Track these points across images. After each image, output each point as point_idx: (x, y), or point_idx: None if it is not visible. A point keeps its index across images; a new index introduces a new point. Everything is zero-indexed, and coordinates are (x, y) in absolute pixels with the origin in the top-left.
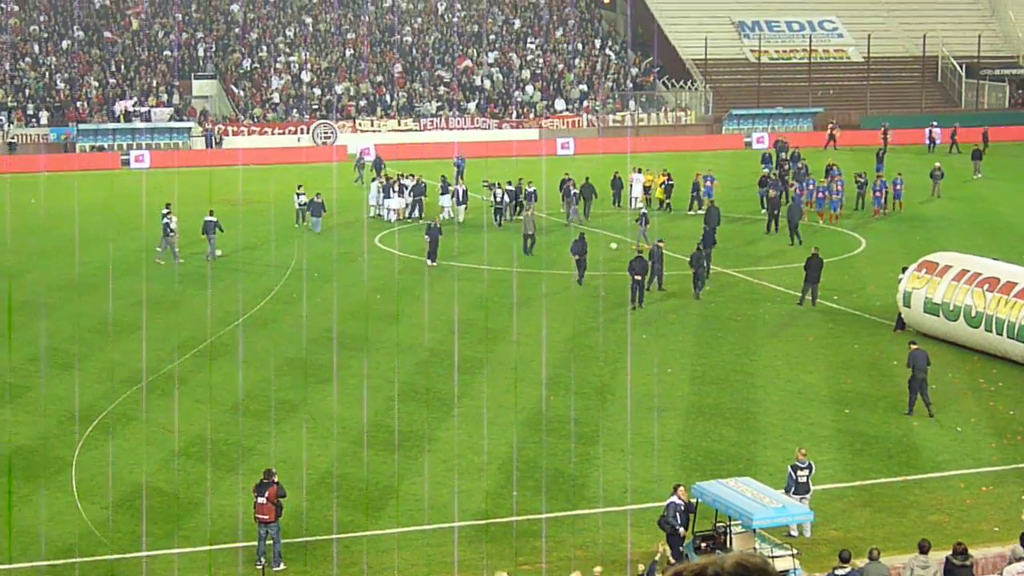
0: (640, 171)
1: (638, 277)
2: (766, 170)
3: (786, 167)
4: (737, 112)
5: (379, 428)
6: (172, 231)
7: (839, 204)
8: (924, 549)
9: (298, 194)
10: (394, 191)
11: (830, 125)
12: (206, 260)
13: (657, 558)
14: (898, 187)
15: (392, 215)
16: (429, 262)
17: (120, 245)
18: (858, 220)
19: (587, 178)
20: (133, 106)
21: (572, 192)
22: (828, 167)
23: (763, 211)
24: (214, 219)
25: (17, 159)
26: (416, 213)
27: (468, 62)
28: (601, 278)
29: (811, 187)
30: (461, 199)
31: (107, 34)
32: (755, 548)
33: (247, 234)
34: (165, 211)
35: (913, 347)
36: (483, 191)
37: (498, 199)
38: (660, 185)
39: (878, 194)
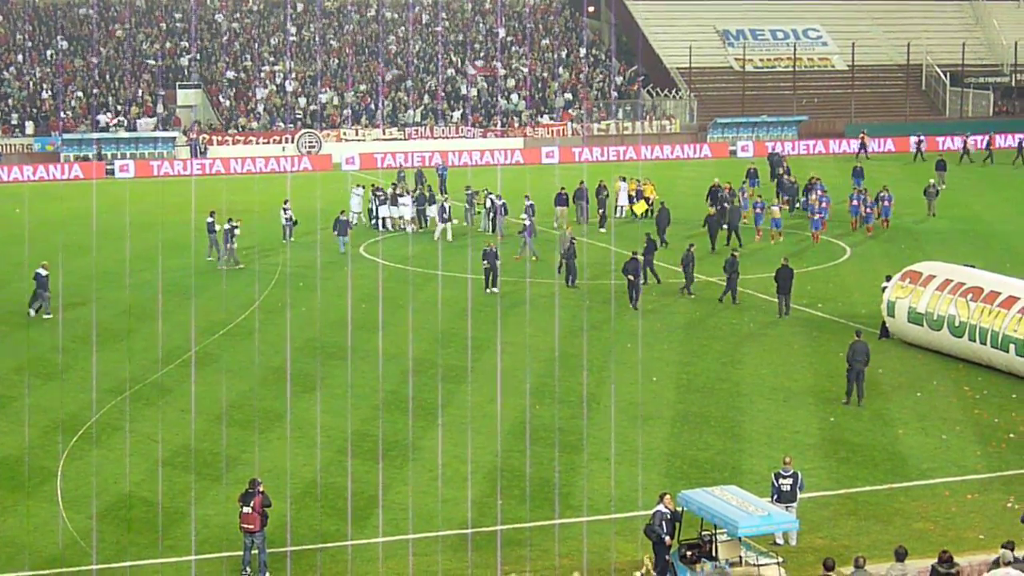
0: (624, 179)
1: (631, 277)
2: (753, 187)
3: (785, 180)
4: (722, 120)
5: (364, 437)
6: (234, 235)
7: (821, 222)
8: (900, 556)
9: (284, 209)
10: (399, 201)
11: (862, 134)
12: (234, 265)
13: (642, 572)
14: (885, 203)
15: (396, 225)
16: (491, 289)
17: (104, 255)
18: (843, 230)
19: (582, 181)
20: (114, 120)
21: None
22: (810, 181)
23: (703, 227)
24: (232, 227)
25: (1, 168)
26: (421, 223)
27: (451, 70)
28: (585, 285)
29: (806, 202)
30: (447, 215)
31: (91, 57)
32: (740, 556)
33: None
34: (210, 219)
35: (855, 339)
36: (465, 198)
37: (490, 205)
38: (633, 194)
39: (869, 211)
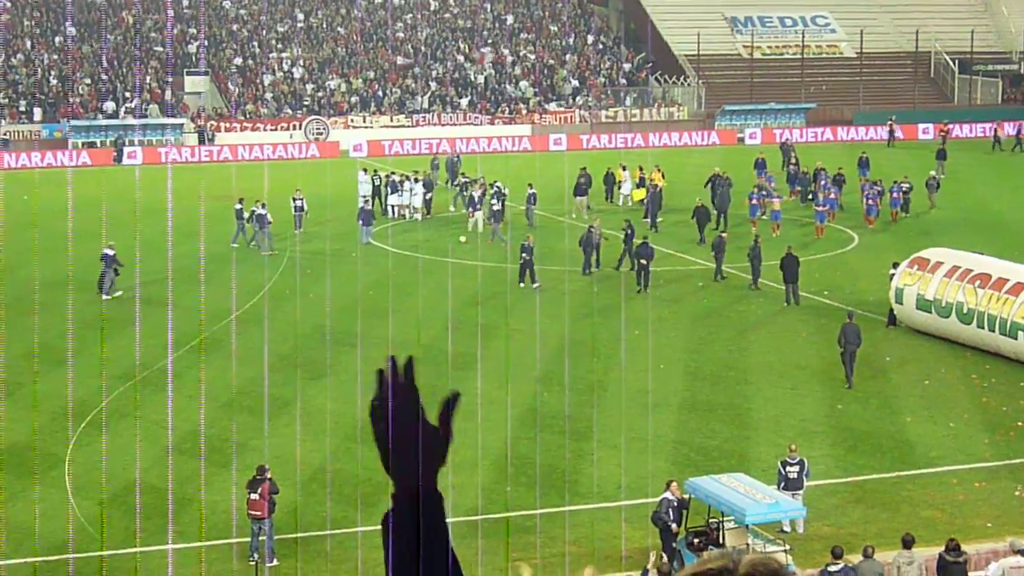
0: (625, 168)
1: (643, 261)
2: (760, 177)
3: (794, 170)
4: (730, 108)
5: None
6: (269, 222)
7: (826, 216)
8: (908, 544)
9: (295, 198)
10: (402, 188)
11: (890, 121)
12: (264, 253)
13: (649, 566)
14: (895, 195)
15: (407, 212)
16: (521, 284)
17: (112, 241)
18: (855, 222)
19: (623, 165)
20: (123, 111)
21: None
22: (816, 172)
23: (692, 219)
24: (265, 212)
25: (10, 155)
26: (428, 210)
27: (487, 52)
28: (594, 272)
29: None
30: (478, 205)
31: (99, 44)
32: (748, 544)
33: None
34: (239, 205)
35: (847, 321)
36: (459, 187)
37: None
38: (637, 181)
39: (872, 203)
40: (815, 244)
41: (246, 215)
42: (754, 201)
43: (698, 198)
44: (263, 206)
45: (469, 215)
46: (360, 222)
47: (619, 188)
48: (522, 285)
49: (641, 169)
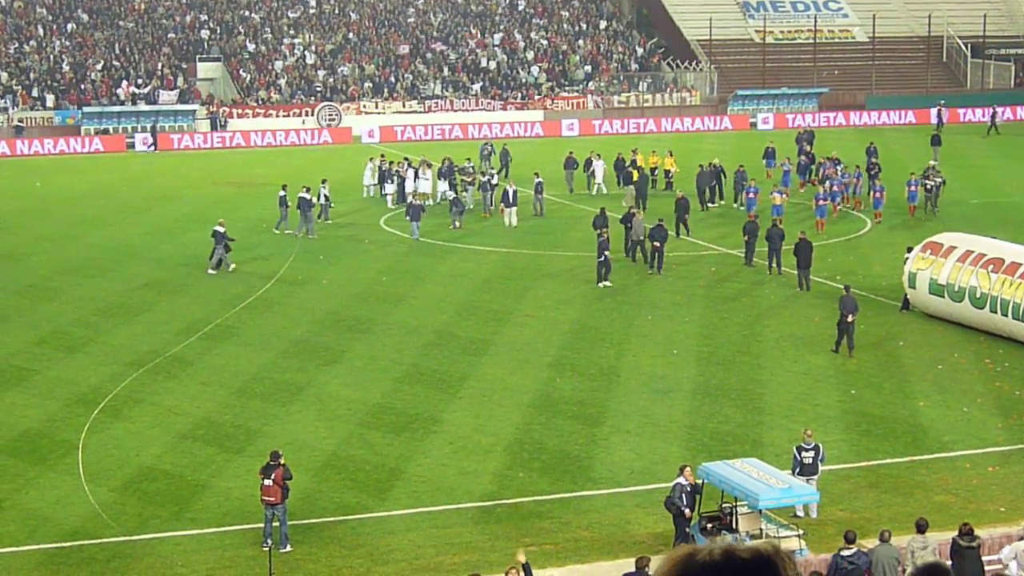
0: (600, 156)
1: (657, 244)
2: (770, 168)
3: (805, 162)
4: (742, 93)
5: (385, 410)
6: (311, 205)
7: (826, 210)
8: (922, 528)
9: (321, 187)
10: (421, 176)
11: (939, 105)
12: (304, 236)
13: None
14: (912, 188)
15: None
16: (604, 283)
17: (125, 228)
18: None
19: (598, 155)
20: (136, 88)
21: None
22: (819, 164)
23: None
24: (308, 197)
25: (23, 142)
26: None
27: (472, 43)
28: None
29: (845, 178)
30: (511, 200)
31: (112, 30)
32: (761, 528)
33: (252, 216)
34: (283, 192)
35: (845, 293)
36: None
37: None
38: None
39: (879, 195)
40: (829, 229)
41: (290, 202)
42: (751, 195)
43: (679, 190)
44: (307, 190)
45: (501, 211)
46: (408, 218)
47: (594, 176)
48: (600, 285)
49: (634, 152)
